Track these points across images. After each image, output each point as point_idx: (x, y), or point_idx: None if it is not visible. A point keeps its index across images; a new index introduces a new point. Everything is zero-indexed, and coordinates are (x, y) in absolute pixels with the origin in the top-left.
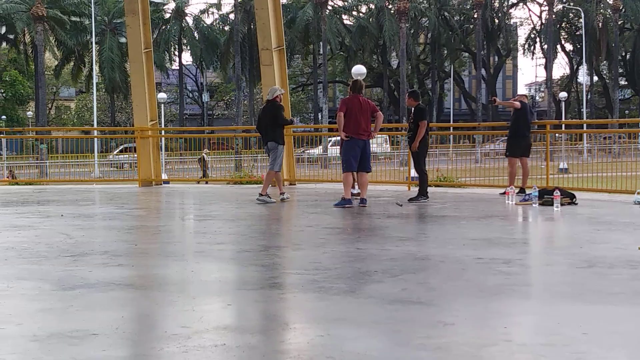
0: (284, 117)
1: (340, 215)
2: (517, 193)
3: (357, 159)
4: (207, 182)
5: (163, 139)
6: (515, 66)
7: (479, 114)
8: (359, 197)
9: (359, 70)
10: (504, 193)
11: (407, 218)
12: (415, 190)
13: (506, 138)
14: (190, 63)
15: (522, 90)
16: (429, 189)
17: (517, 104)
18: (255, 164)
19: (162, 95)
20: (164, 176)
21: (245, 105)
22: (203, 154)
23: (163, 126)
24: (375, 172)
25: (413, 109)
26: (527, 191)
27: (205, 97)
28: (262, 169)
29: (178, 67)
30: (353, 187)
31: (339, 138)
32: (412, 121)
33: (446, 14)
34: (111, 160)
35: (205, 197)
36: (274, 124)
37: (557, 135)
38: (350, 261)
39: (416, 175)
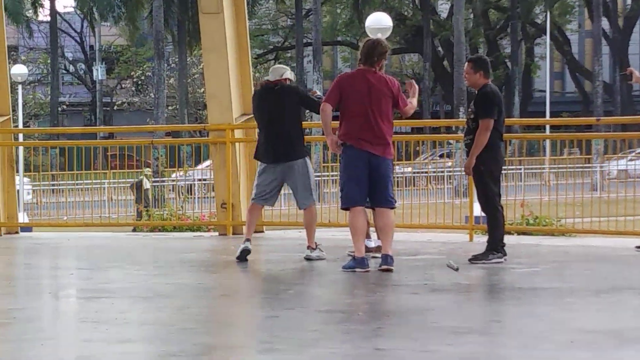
0: (313, 103)
1: (347, 287)
2: None
3: (363, 185)
4: (141, 229)
5: (20, 149)
6: None
7: (597, 100)
8: (378, 254)
9: (378, 21)
10: None
11: (468, 293)
12: (481, 241)
13: None
14: (72, 10)
15: None
16: (507, 239)
17: None
18: (191, 194)
19: (19, 70)
20: (23, 218)
21: (170, 87)
22: (142, 177)
23: (21, 126)
24: (408, 209)
25: (476, 92)
26: None
27: (99, 72)
28: (207, 202)
29: (49, 18)
30: (368, 236)
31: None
32: (473, 117)
33: None
34: None
35: (99, 256)
36: (295, 124)
37: None
38: None
39: (483, 214)
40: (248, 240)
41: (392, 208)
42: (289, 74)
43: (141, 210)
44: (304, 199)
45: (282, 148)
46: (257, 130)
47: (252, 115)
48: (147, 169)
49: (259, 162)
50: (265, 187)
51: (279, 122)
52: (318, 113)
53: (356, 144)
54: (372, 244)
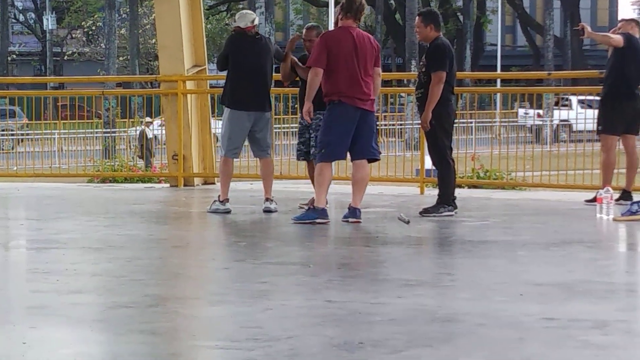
0: (281, 56)
1: (301, 239)
2: (617, 200)
3: (348, 141)
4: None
5: None
6: None
7: (548, 54)
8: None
9: None
10: (594, 200)
11: (419, 245)
12: (432, 194)
13: (598, 100)
14: None
15: (627, 12)
16: (458, 192)
17: (619, 38)
18: (139, 144)
19: None
20: None
21: (122, 38)
22: (144, 127)
23: None
24: None
25: (427, 46)
26: (636, 197)
27: (50, 22)
28: (156, 153)
29: None
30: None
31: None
32: (425, 70)
33: None
34: None
35: (49, 206)
36: (270, 77)
37: None
38: (315, 325)
39: (434, 168)
40: (227, 200)
41: (375, 160)
42: (256, 20)
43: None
44: (267, 147)
45: (261, 97)
46: (229, 76)
47: (202, 67)
48: (148, 118)
49: (230, 110)
50: (241, 138)
51: (261, 72)
52: (282, 62)
53: (348, 101)
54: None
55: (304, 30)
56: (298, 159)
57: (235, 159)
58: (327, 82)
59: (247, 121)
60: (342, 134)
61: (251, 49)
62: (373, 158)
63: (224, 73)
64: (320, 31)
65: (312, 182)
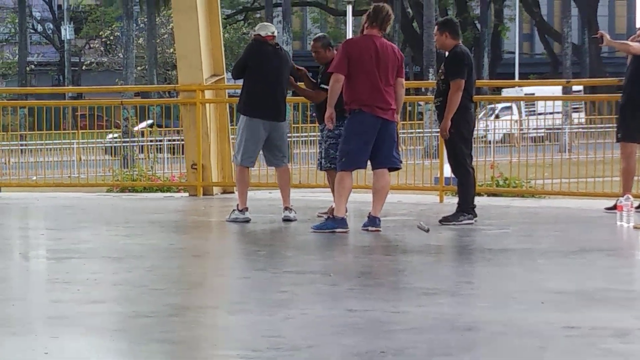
0: (295, 76)
1: (321, 248)
2: (638, 207)
3: (368, 150)
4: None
5: None
6: None
7: (566, 62)
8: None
9: None
10: (614, 207)
11: (439, 254)
12: (451, 202)
13: (618, 109)
14: None
15: None
16: (477, 200)
17: (638, 46)
18: (160, 155)
19: None
20: None
21: (139, 47)
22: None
23: None
24: None
25: (446, 54)
26: None
27: (68, 32)
28: (174, 162)
29: None
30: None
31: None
32: (443, 78)
33: None
34: None
35: (69, 216)
36: (286, 88)
37: None
38: (336, 333)
39: (453, 176)
40: (247, 209)
41: (397, 169)
42: (276, 32)
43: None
44: (283, 157)
45: (278, 106)
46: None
47: (221, 76)
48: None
49: (246, 118)
50: (256, 146)
51: (279, 81)
52: (295, 82)
53: (369, 110)
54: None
55: (312, 43)
56: (319, 168)
57: (251, 167)
58: (347, 89)
59: (262, 130)
60: (362, 143)
61: (270, 58)
62: (394, 167)
63: (241, 81)
64: (327, 41)
65: (332, 191)
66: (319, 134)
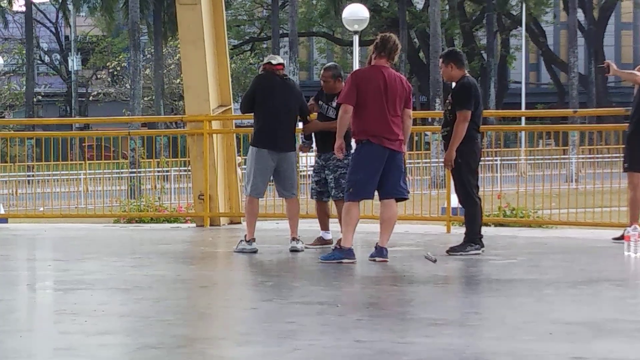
0: (305, 111)
1: (328, 279)
2: None
3: (376, 181)
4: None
5: None
6: (638, 4)
7: (573, 92)
8: (322, 246)
9: (355, 12)
10: (622, 237)
11: (446, 284)
12: (458, 232)
13: (625, 139)
14: (47, 0)
15: None
16: (484, 231)
17: None
18: (167, 185)
19: None
20: None
21: (146, 78)
22: None
23: None
24: None
25: (453, 85)
26: None
27: (75, 62)
28: (182, 193)
29: (24, 8)
30: (326, 227)
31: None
32: (450, 109)
33: None
34: None
35: (76, 247)
36: (293, 113)
37: None
38: None
39: (460, 206)
40: (254, 239)
41: (404, 199)
42: (284, 64)
43: None
44: (292, 188)
45: (286, 137)
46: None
47: (228, 107)
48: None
49: (255, 149)
50: (264, 177)
51: (288, 112)
52: (304, 117)
53: (376, 141)
54: (329, 236)
55: (322, 71)
56: (312, 197)
57: (260, 198)
58: (355, 119)
59: (271, 160)
60: (370, 174)
61: (279, 89)
62: (401, 197)
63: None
64: (338, 72)
65: (320, 222)
66: (314, 163)
